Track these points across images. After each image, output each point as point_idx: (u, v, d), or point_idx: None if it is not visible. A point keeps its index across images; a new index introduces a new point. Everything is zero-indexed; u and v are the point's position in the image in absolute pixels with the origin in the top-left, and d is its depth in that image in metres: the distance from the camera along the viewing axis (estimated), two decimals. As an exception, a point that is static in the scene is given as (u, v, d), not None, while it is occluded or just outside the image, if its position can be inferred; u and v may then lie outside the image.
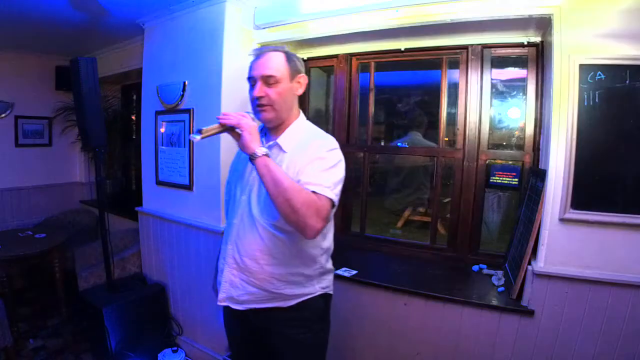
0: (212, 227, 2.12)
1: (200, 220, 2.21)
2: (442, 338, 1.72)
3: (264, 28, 2.10)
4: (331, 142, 1.21)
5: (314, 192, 1.07)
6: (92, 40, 3.03)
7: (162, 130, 2.40)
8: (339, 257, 1.64)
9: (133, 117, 3.68)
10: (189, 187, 2.26)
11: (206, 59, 2.11)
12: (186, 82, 2.22)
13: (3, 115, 3.36)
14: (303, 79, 1.26)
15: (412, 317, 1.78)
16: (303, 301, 1.25)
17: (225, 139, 2.07)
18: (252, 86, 1.21)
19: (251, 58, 1.24)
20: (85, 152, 3.81)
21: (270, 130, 1.28)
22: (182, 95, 2.24)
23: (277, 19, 2.02)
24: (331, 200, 1.10)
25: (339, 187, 1.15)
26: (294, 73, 1.22)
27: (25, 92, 3.45)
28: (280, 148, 1.21)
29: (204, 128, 1.11)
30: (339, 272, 1.87)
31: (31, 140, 3.57)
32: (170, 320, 2.46)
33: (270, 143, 1.23)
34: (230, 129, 1.14)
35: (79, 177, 3.97)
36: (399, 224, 2.92)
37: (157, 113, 2.42)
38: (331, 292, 1.36)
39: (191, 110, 2.20)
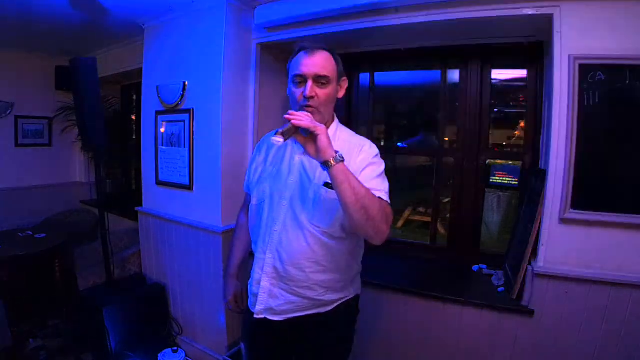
0: (212, 227, 2.12)
1: (200, 220, 2.20)
2: (442, 338, 1.72)
3: (264, 28, 2.10)
4: (374, 146, 1.19)
5: (380, 198, 1.05)
6: (92, 40, 3.02)
7: (162, 130, 2.40)
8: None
9: (133, 117, 3.68)
10: (189, 187, 2.25)
11: (206, 59, 2.11)
12: (186, 82, 2.22)
13: (3, 115, 3.35)
14: (345, 82, 1.20)
15: (411, 317, 1.78)
16: (339, 305, 1.24)
17: (225, 136, 2.09)
18: (297, 84, 1.12)
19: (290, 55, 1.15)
20: (85, 152, 3.80)
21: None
22: (182, 95, 2.24)
23: (276, 19, 2.02)
24: (390, 205, 1.09)
25: None
26: (340, 75, 1.17)
27: (25, 92, 3.45)
28: None
29: (282, 130, 0.96)
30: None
31: (31, 140, 3.57)
32: (170, 320, 2.46)
33: None
34: (296, 131, 0.99)
35: (79, 177, 3.96)
36: (399, 223, 2.92)
37: (157, 113, 2.42)
38: (359, 292, 1.35)
39: (191, 110, 2.20)
